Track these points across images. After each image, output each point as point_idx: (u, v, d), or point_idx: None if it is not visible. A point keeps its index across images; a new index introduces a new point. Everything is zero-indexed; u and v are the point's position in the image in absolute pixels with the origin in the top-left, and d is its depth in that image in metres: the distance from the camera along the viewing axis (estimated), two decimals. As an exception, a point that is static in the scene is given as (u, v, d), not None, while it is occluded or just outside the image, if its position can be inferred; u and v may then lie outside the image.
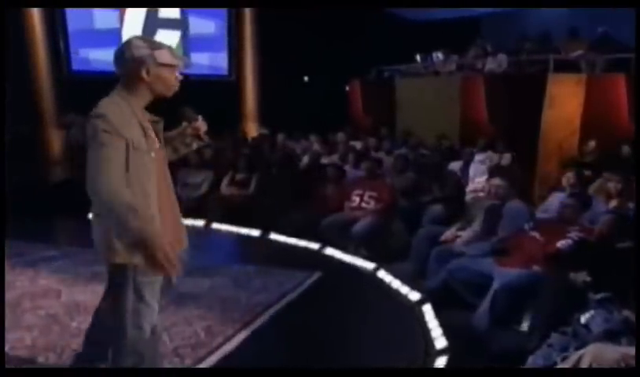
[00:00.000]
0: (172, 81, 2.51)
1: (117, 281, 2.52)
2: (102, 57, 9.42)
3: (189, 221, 6.49)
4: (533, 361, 3.17)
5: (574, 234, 4.20)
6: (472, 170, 7.23)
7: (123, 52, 2.43)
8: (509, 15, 11.97)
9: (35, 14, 8.75)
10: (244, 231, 6.43)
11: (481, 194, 6.24)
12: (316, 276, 4.92)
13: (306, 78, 12.32)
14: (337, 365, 3.40)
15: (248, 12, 11.04)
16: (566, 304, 3.62)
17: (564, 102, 8.35)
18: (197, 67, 10.63)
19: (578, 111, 8.36)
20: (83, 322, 3.79)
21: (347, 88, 11.95)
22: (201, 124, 2.79)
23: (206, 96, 6.41)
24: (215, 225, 6.64)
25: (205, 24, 10.84)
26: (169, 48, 2.53)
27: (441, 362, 3.39)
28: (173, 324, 3.88)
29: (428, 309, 4.14)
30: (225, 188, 7.22)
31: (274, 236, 6.25)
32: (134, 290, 2.49)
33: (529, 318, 4.03)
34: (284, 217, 6.47)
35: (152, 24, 10.05)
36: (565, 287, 3.77)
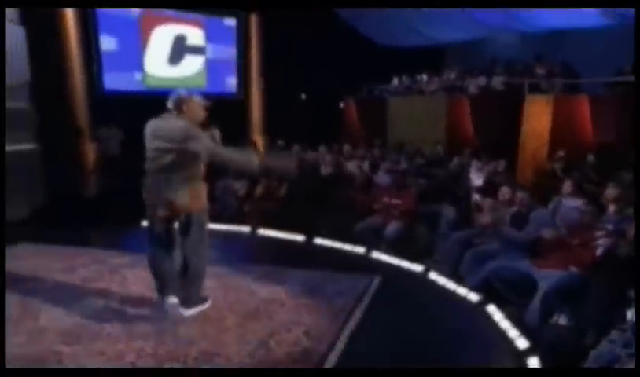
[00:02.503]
0: (200, 113, 3.58)
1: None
2: (129, 79, 9.04)
3: (234, 227, 6.32)
4: (596, 356, 3.08)
5: (602, 240, 4.17)
6: (471, 176, 7.17)
7: (178, 94, 3.54)
8: (472, 43, 12.02)
9: (72, 37, 8.26)
10: (287, 236, 6.11)
11: (478, 197, 6.24)
12: (377, 279, 4.59)
13: (303, 96, 12.12)
14: (433, 364, 3.20)
15: (254, 40, 10.86)
16: (614, 302, 3.60)
17: (537, 119, 8.46)
18: (212, 87, 10.30)
19: (547, 127, 8.48)
20: (190, 329, 3.57)
21: (342, 104, 11.82)
22: (215, 132, 3.69)
23: (220, 113, 6.20)
24: (260, 231, 6.31)
25: (219, 50, 10.51)
26: (199, 97, 3.63)
27: (533, 362, 3.19)
28: (274, 331, 3.58)
29: (493, 310, 3.98)
30: (259, 195, 6.96)
31: (317, 241, 5.97)
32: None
33: (569, 315, 4.00)
34: (317, 221, 6.29)
35: (178, 49, 9.68)
36: (610, 288, 3.74)
